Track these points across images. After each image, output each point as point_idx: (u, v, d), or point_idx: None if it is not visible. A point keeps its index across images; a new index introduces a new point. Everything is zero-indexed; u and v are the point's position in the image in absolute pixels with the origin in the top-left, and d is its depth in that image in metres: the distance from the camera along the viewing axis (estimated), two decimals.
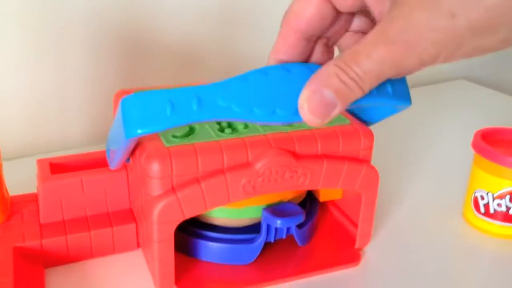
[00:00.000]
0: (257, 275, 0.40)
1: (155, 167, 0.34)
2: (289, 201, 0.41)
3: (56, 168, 0.42)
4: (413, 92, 0.34)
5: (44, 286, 0.37)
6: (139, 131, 0.30)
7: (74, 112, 0.61)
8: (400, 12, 0.27)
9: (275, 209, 0.40)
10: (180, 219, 0.35)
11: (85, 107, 0.62)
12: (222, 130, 0.38)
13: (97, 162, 0.43)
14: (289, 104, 0.30)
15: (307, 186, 0.38)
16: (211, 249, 0.40)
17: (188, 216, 0.36)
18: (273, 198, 0.40)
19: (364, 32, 0.33)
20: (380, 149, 0.45)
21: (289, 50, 0.32)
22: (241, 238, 0.40)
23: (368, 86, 0.28)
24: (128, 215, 0.41)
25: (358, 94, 0.28)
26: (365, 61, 0.27)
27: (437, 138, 0.66)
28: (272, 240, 0.40)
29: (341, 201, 0.46)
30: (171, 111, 0.29)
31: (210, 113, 0.30)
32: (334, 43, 0.34)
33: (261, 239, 0.40)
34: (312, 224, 0.44)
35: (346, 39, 0.33)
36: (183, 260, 0.40)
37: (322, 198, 0.45)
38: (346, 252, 0.43)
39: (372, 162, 0.41)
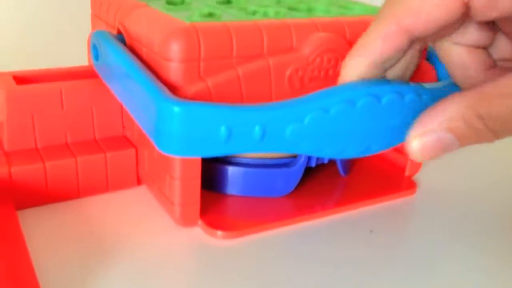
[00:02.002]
0: (294, 207, 0.31)
1: (177, 47, 0.25)
2: None
3: (23, 82, 0.31)
4: None
5: (21, 229, 0.26)
6: (179, 152, 0.22)
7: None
8: None
9: None
10: None
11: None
12: (253, 13, 0.30)
13: (77, 75, 0.32)
14: (366, 140, 0.24)
15: None
16: (239, 177, 0.31)
17: None
18: None
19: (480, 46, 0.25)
20: None
21: (385, 53, 0.23)
22: (276, 162, 0.31)
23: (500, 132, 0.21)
24: (123, 141, 0.32)
25: (489, 138, 0.22)
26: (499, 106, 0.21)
27: None
28: (313, 165, 0.32)
29: None
30: (227, 139, 0.22)
31: (274, 145, 0.22)
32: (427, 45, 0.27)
33: (302, 161, 0.31)
34: None
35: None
36: (205, 193, 0.30)
37: None
38: (398, 180, 0.35)
39: None
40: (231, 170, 0.31)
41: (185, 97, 0.25)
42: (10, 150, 0.29)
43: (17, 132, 0.29)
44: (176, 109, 0.21)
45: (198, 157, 0.27)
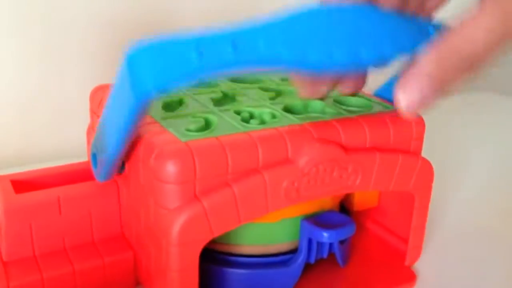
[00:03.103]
0: None
1: (172, 169, 0.25)
2: (329, 210, 0.32)
3: (21, 187, 0.32)
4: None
5: None
6: (155, 87, 0.21)
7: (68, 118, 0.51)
8: None
9: (316, 220, 0.31)
10: (207, 237, 0.26)
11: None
12: (246, 120, 0.30)
13: (75, 176, 0.33)
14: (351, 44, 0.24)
15: (357, 186, 0.30)
16: (238, 279, 0.31)
17: (217, 233, 0.26)
18: (313, 207, 0.31)
19: None
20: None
21: None
22: (275, 260, 0.31)
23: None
24: (121, 242, 0.32)
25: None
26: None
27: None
28: (312, 261, 0.32)
29: (376, 211, 0.38)
30: (199, 59, 0.21)
31: (249, 60, 0.22)
32: None
33: (300, 259, 0.31)
34: (350, 240, 0.35)
35: None
36: None
37: (356, 207, 0.37)
38: (396, 271, 0.35)
39: None
40: (229, 272, 0.31)
41: (182, 220, 0.25)
42: (8, 260, 0.29)
43: (15, 242, 0.29)
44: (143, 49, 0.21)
45: (195, 271, 0.27)
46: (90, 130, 0.35)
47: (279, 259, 0.31)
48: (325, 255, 0.32)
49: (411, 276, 0.34)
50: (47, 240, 0.30)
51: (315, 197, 0.29)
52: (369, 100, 0.34)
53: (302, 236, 0.31)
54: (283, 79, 0.38)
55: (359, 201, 0.37)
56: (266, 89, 0.36)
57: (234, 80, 0.38)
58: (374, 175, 0.30)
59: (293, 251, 0.32)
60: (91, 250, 0.31)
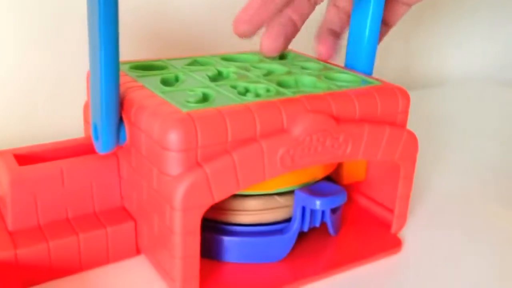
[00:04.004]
0: (290, 272, 0.33)
1: (175, 137, 0.26)
2: (321, 180, 0.34)
3: (24, 160, 0.32)
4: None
5: None
6: None
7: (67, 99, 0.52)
8: None
9: (310, 189, 0.33)
10: (208, 202, 0.28)
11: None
12: (242, 94, 0.31)
13: (75, 151, 0.34)
14: None
15: (348, 156, 0.32)
16: (236, 246, 0.32)
17: (218, 198, 0.28)
18: (306, 176, 0.33)
19: None
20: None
21: None
22: (271, 229, 0.33)
23: None
24: (122, 213, 0.33)
25: None
26: None
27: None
28: (306, 229, 0.33)
29: (363, 184, 0.40)
30: None
31: None
32: None
33: (295, 227, 0.32)
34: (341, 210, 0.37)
35: None
36: (202, 262, 0.31)
37: (345, 180, 0.38)
38: (383, 239, 0.36)
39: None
40: (227, 240, 0.32)
41: (185, 185, 0.27)
42: (14, 230, 0.30)
43: (20, 212, 0.30)
44: None
45: (197, 235, 0.28)
46: (87, 106, 0.36)
47: (274, 228, 0.33)
48: (317, 224, 0.34)
49: (397, 243, 0.36)
50: (51, 210, 0.31)
51: (308, 164, 0.30)
52: (357, 76, 0.36)
53: (296, 205, 0.32)
54: (271, 60, 0.40)
55: (348, 175, 0.38)
56: (258, 68, 0.37)
57: (227, 59, 0.39)
58: (363, 145, 0.32)
59: (288, 220, 0.33)
60: (94, 220, 0.32)
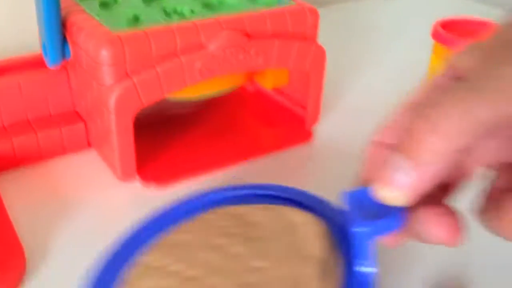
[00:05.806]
0: (213, 160, 0.40)
1: (106, 53, 0.32)
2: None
3: None
4: None
5: None
6: None
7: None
8: None
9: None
10: (138, 106, 0.34)
11: None
12: (168, 15, 0.37)
13: (30, 65, 0.39)
14: None
15: (260, 66, 0.38)
16: None
17: (146, 103, 0.34)
18: (227, 83, 0.39)
19: None
20: (336, 39, 0.46)
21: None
22: None
23: None
24: (74, 116, 0.39)
25: None
26: None
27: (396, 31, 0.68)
28: None
29: (287, 87, 0.46)
30: None
31: None
32: None
33: None
34: None
35: None
36: (142, 151, 0.38)
37: (269, 85, 0.45)
38: (298, 132, 0.44)
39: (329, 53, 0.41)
40: None
41: (117, 92, 0.33)
42: None
43: None
44: None
45: (131, 132, 0.35)
46: None
47: None
48: None
49: (309, 135, 0.43)
50: (13, 114, 0.38)
51: (223, 73, 0.37)
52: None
53: None
54: None
55: (272, 80, 0.45)
56: None
57: None
58: (274, 57, 0.38)
59: None
60: (50, 122, 0.38)
